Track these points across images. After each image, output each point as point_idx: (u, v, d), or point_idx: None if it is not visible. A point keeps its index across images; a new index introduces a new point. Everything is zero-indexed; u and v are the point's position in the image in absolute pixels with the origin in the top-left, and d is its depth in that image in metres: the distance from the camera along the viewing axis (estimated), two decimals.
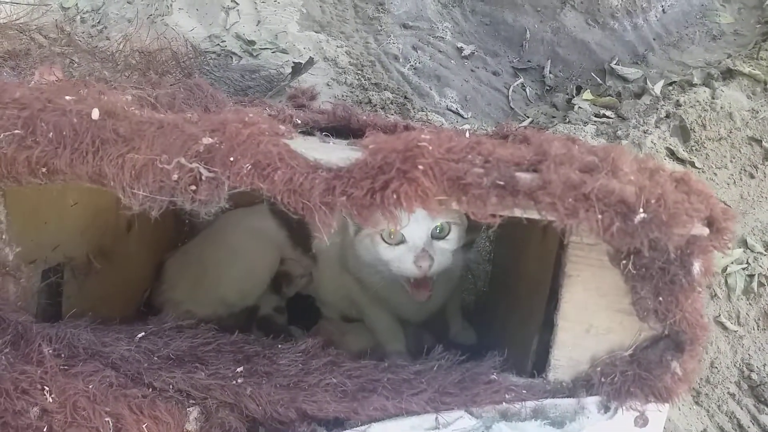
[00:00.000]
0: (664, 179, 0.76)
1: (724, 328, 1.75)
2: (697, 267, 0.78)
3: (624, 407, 0.85)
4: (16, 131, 0.72)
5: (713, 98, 2.06)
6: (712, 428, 1.60)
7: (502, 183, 0.71)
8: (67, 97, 0.76)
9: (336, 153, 0.76)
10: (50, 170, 0.73)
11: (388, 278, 1.24)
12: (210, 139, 0.72)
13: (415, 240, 1.15)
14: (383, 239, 1.17)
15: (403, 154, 0.71)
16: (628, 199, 0.70)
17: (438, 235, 1.17)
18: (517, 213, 0.74)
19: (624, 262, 0.78)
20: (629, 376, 0.83)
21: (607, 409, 0.86)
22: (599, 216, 0.70)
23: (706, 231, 0.75)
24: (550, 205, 0.70)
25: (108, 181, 0.72)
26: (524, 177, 0.73)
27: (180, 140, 0.71)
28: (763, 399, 1.63)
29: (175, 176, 0.71)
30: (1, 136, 0.72)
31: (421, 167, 0.70)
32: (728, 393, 1.66)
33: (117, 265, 1.34)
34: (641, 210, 0.71)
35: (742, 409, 1.64)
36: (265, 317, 1.50)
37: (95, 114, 0.73)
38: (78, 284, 1.19)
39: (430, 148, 0.71)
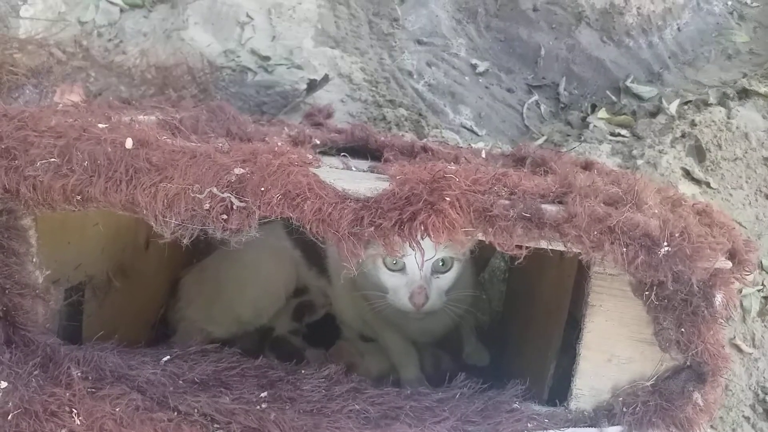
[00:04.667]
0: (687, 211, 0.77)
1: (739, 350, 1.73)
2: (719, 299, 0.78)
3: None
4: (53, 159, 0.74)
5: (729, 118, 2.06)
6: None
7: (528, 215, 0.72)
8: (101, 126, 0.78)
9: (364, 183, 0.78)
10: (85, 198, 0.74)
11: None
12: (241, 169, 0.73)
13: (414, 270, 1.14)
14: (385, 264, 1.17)
15: (430, 186, 0.73)
16: (652, 232, 0.71)
17: (440, 268, 1.17)
18: (543, 245, 0.75)
19: (647, 293, 0.79)
20: (651, 406, 0.84)
21: None
22: (624, 249, 0.71)
23: (729, 264, 0.75)
24: (575, 238, 0.71)
25: (141, 209, 0.74)
26: (550, 209, 0.74)
27: (212, 170, 0.73)
28: None
29: (207, 205, 0.72)
30: (38, 164, 0.73)
31: (448, 199, 0.71)
32: (743, 416, 1.65)
33: (135, 283, 1.35)
34: (665, 243, 0.72)
35: None
36: (279, 338, 1.50)
37: (129, 143, 0.75)
38: (98, 302, 1.20)
39: (457, 179, 0.73)
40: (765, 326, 1.77)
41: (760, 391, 1.68)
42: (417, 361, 1.39)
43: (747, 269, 0.79)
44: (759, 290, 1.82)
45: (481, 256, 1.68)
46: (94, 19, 2.59)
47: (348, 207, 0.73)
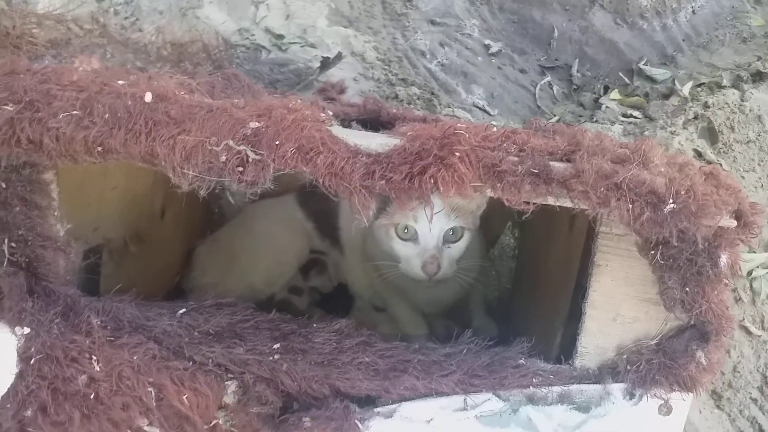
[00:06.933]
0: (693, 172, 0.78)
1: (748, 332, 1.72)
2: (724, 259, 0.80)
3: (649, 395, 0.87)
4: (75, 112, 0.76)
5: (742, 100, 2.05)
6: None
7: (536, 171, 0.74)
8: (120, 82, 0.80)
9: (375, 139, 0.80)
10: (105, 149, 0.77)
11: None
12: (257, 123, 0.75)
13: (427, 239, 1.17)
14: (397, 233, 1.19)
15: (440, 141, 0.74)
16: (658, 189, 0.73)
17: (450, 238, 1.20)
18: (551, 201, 0.77)
19: (652, 252, 0.81)
20: (654, 365, 0.86)
21: (632, 396, 0.88)
22: (630, 205, 0.73)
23: (733, 223, 0.77)
24: (582, 194, 0.73)
25: (159, 161, 0.76)
26: (558, 166, 0.76)
27: (228, 124, 0.75)
28: None
29: (223, 158, 0.74)
30: (61, 116, 0.76)
31: (458, 154, 0.73)
32: (750, 398, 1.65)
33: (151, 250, 1.38)
34: (671, 200, 0.73)
35: (764, 414, 1.63)
36: (282, 301, 1.53)
37: (148, 97, 0.77)
38: (114, 266, 1.23)
39: (467, 135, 0.74)
40: None
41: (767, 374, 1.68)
42: (426, 329, 1.42)
43: (752, 232, 0.81)
44: None
45: (491, 233, 1.70)
46: None
47: (360, 161, 0.75)
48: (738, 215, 0.79)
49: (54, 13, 2.21)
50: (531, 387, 0.87)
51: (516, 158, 0.75)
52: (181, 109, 0.77)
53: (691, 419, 1.57)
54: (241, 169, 0.75)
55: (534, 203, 0.76)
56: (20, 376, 0.88)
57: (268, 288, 1.51)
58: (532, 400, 0.87)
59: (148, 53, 2.26)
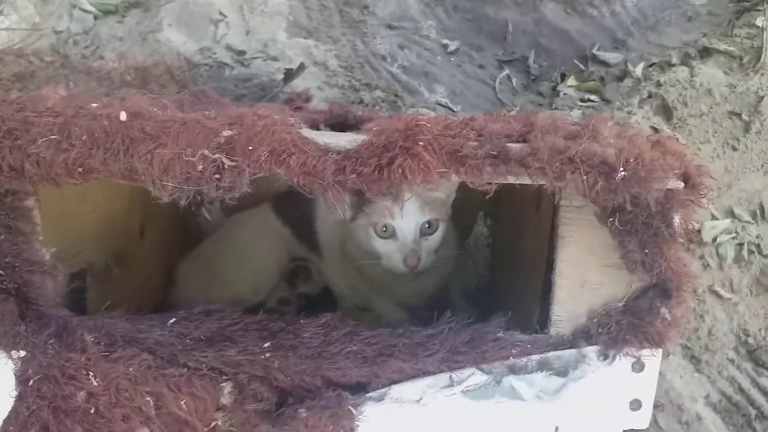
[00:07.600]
0: (641, 141, 0.84)
1: (719, 296, 1.79)
2: (677, 220, 0.86)
3: (621, 354, 0.93)
4: (53, 136, 0.79)
5: (692, 76, 2.13)
6: (715, 393, 1.65)
7: (495, 153, 0.79)
8: (94, 104, 0.84)
9: (344, 137, 0.84)
10: (86, 170, 0.80)
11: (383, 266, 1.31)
12: (229, 131, 0.79)
13: (405, 234, 1.24)
14: (376, 232, 1.25)
15: (404, 133, 0.79)
16: (609, 159, 0.79)
17: (426, 230, 1.26)
18: (510, 180, 0.82)
19: (611, 219, 0.86)
20: (623, 325, 0.91)
21: (605, 356, 0.94)
22: (584, 176, 0.78)
23: (681, 185, 0.83)
24: (539, 170, 0.79)
25: (139, 176, 0.79)
26: (514, 147, 0.81)
27: (202, 134, 0.79)
28: (761, 362, 1.68)
29: (200, 167, 0.78)
30: (40, 141, 0.79)
31: (421, 143, 0.78)
32: (727, 359, 1.71)
33: (132, 270, 1.39)
34: (621, 168, 0.79)
35: (741, 373, 1.69)
36: (272, 311, 1.55)
37: (123, 116, 0.81)
38: (98, 289, 1.25)
39: (429, 125, 0.79)
40: (741, 272, 1.83)
41: (741, 334, 1.74)
42: (406, 319, 1.46)
43: (701, 192, 0.87)
44: (733, 238, 1.88)
45: (464, 224, 1.75)
46: (68, 28, 2.61)
47: (330, 159, 0.80)
48: (685, 178, 0.85)
49: (14, 48, 2.21)
50: (511, 358, 0.92)
51: (476, 143, 0.80)
52: (156, 124, 0.80)
53: (674, 385, 1.63)
54: (218, 176, 0.79)
55: (496, 183, 0.82)
56: (20, 398, 0.90)
57: (254, 296, 1.54)
58: (513, 370, 0.92)
59: (112, 80, 2.26)
